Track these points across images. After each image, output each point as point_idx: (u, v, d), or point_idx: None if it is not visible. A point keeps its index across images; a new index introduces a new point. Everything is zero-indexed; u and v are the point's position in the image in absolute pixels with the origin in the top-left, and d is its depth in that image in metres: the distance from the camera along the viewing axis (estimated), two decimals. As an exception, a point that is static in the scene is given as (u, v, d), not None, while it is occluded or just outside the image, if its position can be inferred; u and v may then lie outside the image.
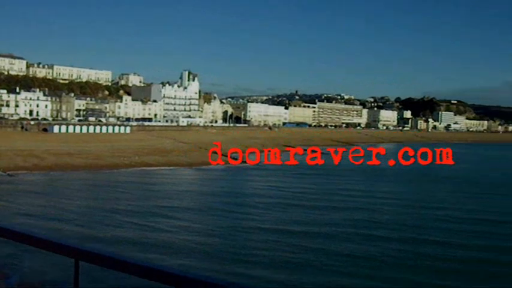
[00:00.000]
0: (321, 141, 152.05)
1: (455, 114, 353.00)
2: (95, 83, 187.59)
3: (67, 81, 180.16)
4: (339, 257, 27.05)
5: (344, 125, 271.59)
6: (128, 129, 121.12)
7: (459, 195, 53.46)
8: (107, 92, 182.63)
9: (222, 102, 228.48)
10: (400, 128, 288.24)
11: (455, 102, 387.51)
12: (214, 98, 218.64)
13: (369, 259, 26.75)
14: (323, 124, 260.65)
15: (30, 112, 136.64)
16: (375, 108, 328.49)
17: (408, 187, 60.74)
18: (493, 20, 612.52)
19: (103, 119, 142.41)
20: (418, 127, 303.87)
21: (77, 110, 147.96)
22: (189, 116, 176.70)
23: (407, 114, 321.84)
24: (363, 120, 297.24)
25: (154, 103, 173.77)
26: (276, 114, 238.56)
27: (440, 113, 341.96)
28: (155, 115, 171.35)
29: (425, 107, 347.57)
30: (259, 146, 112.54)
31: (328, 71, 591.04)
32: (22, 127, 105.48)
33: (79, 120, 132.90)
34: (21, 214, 35.58)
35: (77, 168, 64.35)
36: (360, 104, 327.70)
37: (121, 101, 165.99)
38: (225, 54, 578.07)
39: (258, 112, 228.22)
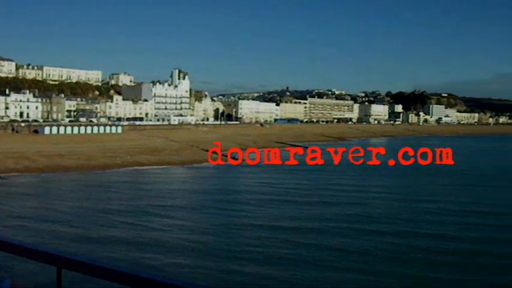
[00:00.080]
0: (313, 137, 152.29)
1: (446, 107, 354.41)
2: (85, 84, 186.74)
3: (57, 82, 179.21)
4: (332, 251, 27.24)
5: (335, 120, 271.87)
6: (119, 129, 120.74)
7: (452, 187, 53.90)
8: (97, 92, 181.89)
9: (213, 100, 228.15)
10: (392, 122, 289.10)
11: (446, 95, 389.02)
12: (205, 96, 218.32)
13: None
14: (314, 120, 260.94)
15: (21, 114, 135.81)
16: (366, 103, 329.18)
17: (402, 180, 61.20)
18: (484, 12, 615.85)
19: (94, 120, 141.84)
20: (410, 121, 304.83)
21: (67, 110, 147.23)
22: (181, 115, 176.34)
23: (399, 108, 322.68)
24: (354, 115, 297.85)
25: (145, 102, 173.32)
26: (268, 110, 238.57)
27: (431, 106, 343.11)
28: (146, 114, 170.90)
29: (416, 101, 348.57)
30: (251, 143, 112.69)
31: (319, 67, 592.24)
32: (13, 129, 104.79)
33: (70, 121, 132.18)
34: (13, 217, 35.46)
35: (69, 169, 64.13)
36: (351, 99, 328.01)
37: (112, 101, 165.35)
38: (216, 52, 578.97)
39: (250, 109, 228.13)
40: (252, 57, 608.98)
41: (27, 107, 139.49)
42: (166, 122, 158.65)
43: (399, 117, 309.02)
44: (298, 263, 25.20)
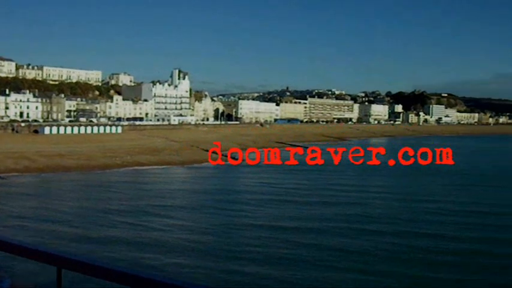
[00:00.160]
0: (313, 137, 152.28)
1: (446, 107, 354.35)
2: (85, 84, 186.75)
3: (57, 82, 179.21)
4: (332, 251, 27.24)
5: (335, 120, 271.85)
6: (119, 129, 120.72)
7: (452, 188, 53.90)
8: (97, 92, 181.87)
9: (213, 100, 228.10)
10: (392, 122, 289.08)
11: (446, 95, 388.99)
12: (205, 96, 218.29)
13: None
14: (314, 120, 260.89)
15: (21, 114, 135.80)
16: (366, 103, 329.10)
17: (402, 180, 61.21)
18: (484, 12, 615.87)
19: (94, 120, 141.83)
20: (410, 121, 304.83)
21: (67, 110, 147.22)
22: (181, 115, 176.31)
23: (399, 108, 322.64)
24: (354, 115, 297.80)
25: (145, 102, 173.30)
26: (268, 110, 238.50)
27: (431, 106, 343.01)
28: (146, 114, 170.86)
29: (416, 101, 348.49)
30: (251, 143, 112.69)
31: (319, 67, 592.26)
32: (13, 129, 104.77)
33: (70, 121, 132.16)
34: (13, 217, 35.46)
35: (69, 169, 64.12)
36: (351, 99, 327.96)
37: (112, 101, 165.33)
38: (216, 52, 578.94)
39: (250, 109, 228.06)
40: (252, 57, 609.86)
41: (27, 107, 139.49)
42: (166, 122, 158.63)
43: (399, 117, 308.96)
44: (298, 263, 25.20)
